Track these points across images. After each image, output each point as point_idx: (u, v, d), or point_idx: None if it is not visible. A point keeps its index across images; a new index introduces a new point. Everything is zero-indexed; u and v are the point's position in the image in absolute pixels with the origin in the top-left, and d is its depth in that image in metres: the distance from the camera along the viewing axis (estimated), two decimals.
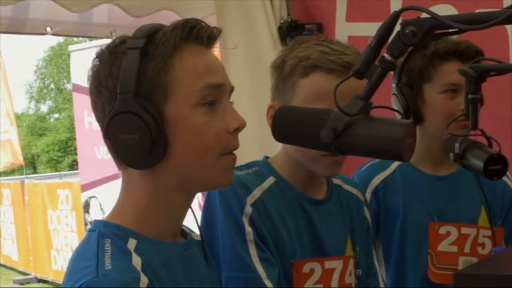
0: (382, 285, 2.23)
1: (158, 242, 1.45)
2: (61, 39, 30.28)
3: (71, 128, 24.41)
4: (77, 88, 8.49)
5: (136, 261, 1.37)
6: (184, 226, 1.59)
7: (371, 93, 1.38)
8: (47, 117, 34.24)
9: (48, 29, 3.62)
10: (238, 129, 1.45)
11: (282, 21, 4.07)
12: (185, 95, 1.40)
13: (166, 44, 1.40)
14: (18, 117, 27.72)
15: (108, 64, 1.41)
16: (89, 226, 7.72)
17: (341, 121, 1.36)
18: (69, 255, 10.52)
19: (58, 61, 33.16)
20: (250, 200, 1.90)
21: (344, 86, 1.39)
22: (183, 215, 1.52)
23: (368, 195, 2.44)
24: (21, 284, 12.33)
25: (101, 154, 7.98)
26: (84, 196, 8.56)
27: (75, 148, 24.37)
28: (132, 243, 1.40)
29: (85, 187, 8.52)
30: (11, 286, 12.13)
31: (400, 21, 1.36)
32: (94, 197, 8.36)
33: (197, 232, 1.65)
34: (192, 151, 1.41)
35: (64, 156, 27.71)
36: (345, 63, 1.85)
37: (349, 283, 2.03)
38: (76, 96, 8.63)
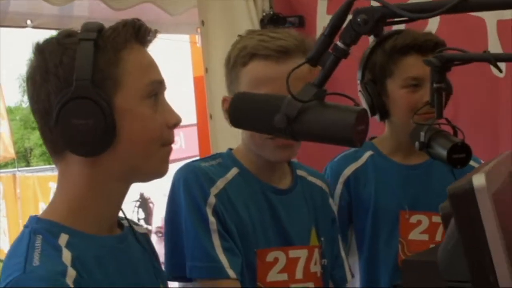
0: (349, 275, 2.26)
1: (91, 236, 1.47)
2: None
3: None
4: None
5: (66, 256, 1.39)
6: (123, 218, 1.63)
7: (324, 80, 1.40)
8: None
9: (29, 22, 3.63)
10: (176, 125, 1.53)
11: (264, 14, 4.10)
12: (134, 88, 1.47)
13: (118, 39, 1.46)
14: (11, 111, 27.68)
15: (58, 54, 1.45)
16: None
17: (294, 108, 1.38)
18: None
19: None
20: (214, 191, 1.94)
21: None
22: (119, 206, 1.56)
23: (339, 185, 2.47)
24: None
25: None
26: None
27: None
28: (63, 239, 1.43)
29: None
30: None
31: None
32: None
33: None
34: (137, 140, 1.47)
35: None
36: (280, 47, 1.91)
37: (314, 272, 2.06)
38: None
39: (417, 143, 2.14)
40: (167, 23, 4.12)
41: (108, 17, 3.57)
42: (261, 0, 4.10)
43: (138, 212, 7.55)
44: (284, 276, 1.99)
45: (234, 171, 2.01)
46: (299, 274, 2.01)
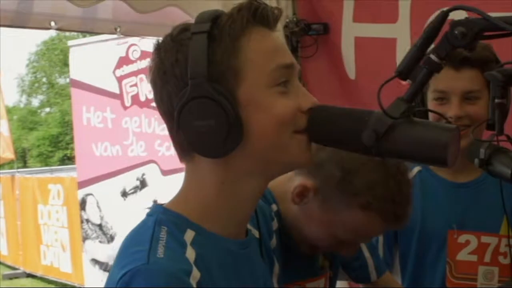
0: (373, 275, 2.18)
1: (217, 238, 1.39)
2: (53, 33, 30.18)
3: (63, 123, 24.39)
4: (75, 83, 8.41)
5: (190, 253, 1.32)
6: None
7: (415, 95, 1.32)
8: (39, 111, 34.14)
9: (53, 23, 3.54)
10: (311, 109, 1.40)
11: (288, 20, 4.03)
12: (258, 77, 1.35)
13: (234, 26, 1.34)
14: (9, 110, 27.65)
15: (173, 52, 1.36)
16: (85, 224, 7.66)
17: (384, 124, 1.30)
18: (58, 250, 10.49)
19: (51, 56, 33.05)
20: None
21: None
22: (251, 207, 1.46)
23: None
24: (10, 278, 12.27)
25: (99, 151, 7.93)
26: (81, 193, 8.53)
27: (67, 143, 24.34)
28: (189, 235, 1.35)
29: (82, 184, 8.47)
30: None
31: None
32: (91, 194, 8.33)
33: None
34: (267, 131, 1.35)
35: (55, 150, 27.61)
36: None
37: None
38: (74, 92, 8.54)
39: (476, 160, 2.03)
40: None
41: (133, 19, 3.49)
42: (286, 6, 4.02)
43: None
44: None
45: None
46: None
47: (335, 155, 1.74)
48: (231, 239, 1.42)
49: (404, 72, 1.33)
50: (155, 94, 1.41)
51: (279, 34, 1.45)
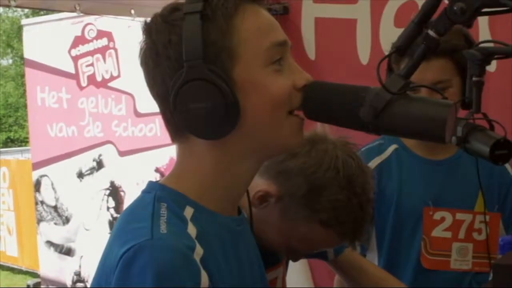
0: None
1: (215, 214, 1.38)
2: (20, 11, 29.56)
3: (6, 105, 23.90)
4: (29, 63, 8.19)
5: (192, 229, 1.30)
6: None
7: (412, 71, 1.31)
8: None
9: (12, 1, 3.46)
10: (305, 86, 1.37)
11: None
12: (253, 57, 1.32)
13: (227, 5, 1.31)
14: None
15: (165, 33, 1.32)
16: (40, 206, 7.52)
17: (382, 100, 1.29)
18: (4, 234, 10.34)
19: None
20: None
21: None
22: (245, 186, 1.45)
23: None
24: None
25: (53, 132, 7.78)
26: (35, 174, 8.39)
27: (10, 125, 23.94)
28: (189, 211, 1.34)
29: (36, 166, 8.32)
30: None
31: None
32: (46, 175, 8.20)
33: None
34: (263, 111, 1.33)
35: None
36: None
37: None
38: (28, 72, 8.35)
39: (453, 138, 2.03)
40: None
41: None
42: None
43: (108, 200, 7.37)
44: None
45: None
46: None
47: (305, 167, 1.72)
48: (228, 216, 1.41)
49: (402, 48, 1.32)
50: (147, 76, 1.37)
51: None
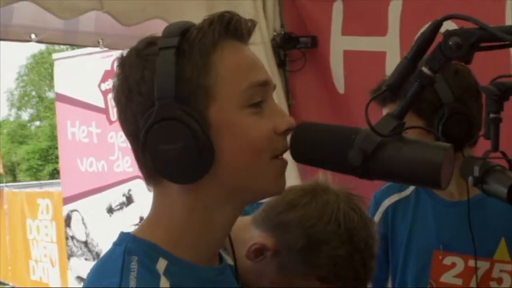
0: None
1: (191, 266, 1.29)
2: (43, 46, 30.12)
3: (52, 137, 24.31)
4: (60, 97, 8.29)
5: (165, 284, 1.23)
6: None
7: (405, 112, 1.24)
8: (28, 125, 34.04)
9: (33, 36, 3.46)
10: (288, 130, 1.30)
11: (275, 33, 3.98)
12: (230, 97, 1.25)
13: (204, 41, 1.25)
14: None
15: (138, 68, 1.26)
16: (70, 241, 7.55)
17: (372, 142, 1.22)
18: (47, 265, 10.38)
19: (40, 69, 33.00)
20: None
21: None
22: (224, 235, 1.36)
23: (378, 215, 2.32)
24: None
25: (84, 166, 7.82)
26: (66, 209, 8.42)
27: (56, 157, 24.23)
28: (162, 264, 1.25)
29: (67, 200, 8.35)
30: None
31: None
32: (76, 210, 8.21)
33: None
34: (241, 156, 1.26)
35: (44, 164, 27.52)
36: None
37: None
38: (59, 106, 8.43)
39: (470, 178, 1.91)
40: None
41: (117, 32, 3.41)
42: (273, 19, 3.97)
43: None
44: None
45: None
46: None
47: (304, 220, 1.61)
48: (206, 266, 1.33)
49: (394, 86, 1.24)
50: (119, 113, 1.30)
51: (255, 48, 1.36)
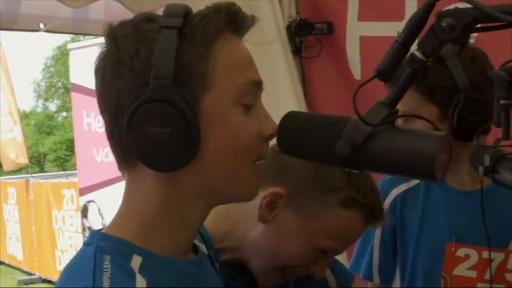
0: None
1: (167, 260, 1.23)
2: (68, 37, 30.21)
3: None
4: (75, 88, 8.24)
5: (141, 282, 1.16)
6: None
7: (397, 99, 1.16)
8: (55, 115, 34.24)
9: (41, 25, 3.42)
10: (272, 136, 1.26)
11: (290, 19, 3.95)
12: (226, 88, 1.20)
13: (208, 27, 1.19)
14: (26, 115, 27.69)
15: (133, 42, 1.18)
16: (87, 232, 7.56)
17: (362, 132, 1.15)
18: (73, 255, 10.44)
19: (66, 60, 33.15)
20: None
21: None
22: (197, 230, 1.30)
23: (385, 205, 2.17)
24: (26, 284, 12.24)
25: (100, 156, 7.79)
26: (82, 200, 8.37)
27: None
28: (136, 261, 1.19)
29: (83, 191, 8.32)
30: (16, 286, 12.01)
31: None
32: (93, 201, 8.18)
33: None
34: (227, 153, 1.20)
35: (71, 154, 27.56)
36: None
37: None
38: (74, 96, 8.36)
39: (481, 168, 1.81)
40: None
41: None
42: (288, 5, 3.92)
43: None
44: None
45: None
46: None
47: None
48: (182, 259, 1.27)
49: (385, 71, 1.17)
50: (100, 85, 1.22)
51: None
